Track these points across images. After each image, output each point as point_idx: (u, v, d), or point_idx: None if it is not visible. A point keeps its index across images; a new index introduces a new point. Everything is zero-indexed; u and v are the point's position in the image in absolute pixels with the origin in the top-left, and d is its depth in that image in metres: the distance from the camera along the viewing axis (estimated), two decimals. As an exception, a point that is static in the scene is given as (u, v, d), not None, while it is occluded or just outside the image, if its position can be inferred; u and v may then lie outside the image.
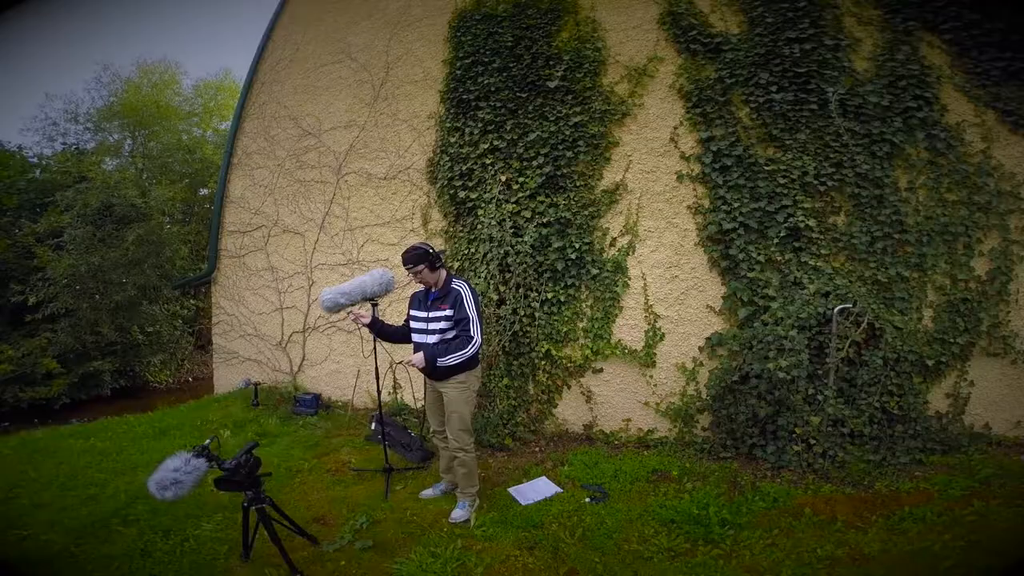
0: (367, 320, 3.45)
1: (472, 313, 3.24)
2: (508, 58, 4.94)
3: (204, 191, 13.85)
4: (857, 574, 2.73)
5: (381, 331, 3.59)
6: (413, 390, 5.54)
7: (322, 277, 6.24)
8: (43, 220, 11.05)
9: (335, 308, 3.62)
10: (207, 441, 2.73)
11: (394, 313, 5.53)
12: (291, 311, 6.56)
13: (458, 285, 3.32)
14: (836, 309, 3.83)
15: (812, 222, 4.14)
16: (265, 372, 6.81)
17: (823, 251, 4.18)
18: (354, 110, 6.05)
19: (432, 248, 3.29)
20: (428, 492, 3.76)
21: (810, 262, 4.15)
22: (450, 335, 3.28)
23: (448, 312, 3.26)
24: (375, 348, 4.11)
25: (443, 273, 3.35)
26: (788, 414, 3.88)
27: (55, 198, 10.76)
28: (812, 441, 3.79)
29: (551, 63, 4.81)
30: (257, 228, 6.89)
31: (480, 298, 3.49)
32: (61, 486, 4.05)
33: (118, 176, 11.67)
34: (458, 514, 3.40)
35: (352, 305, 3.67)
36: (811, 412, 3.82)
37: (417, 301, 3.46)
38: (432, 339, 3.30)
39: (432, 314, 3.33)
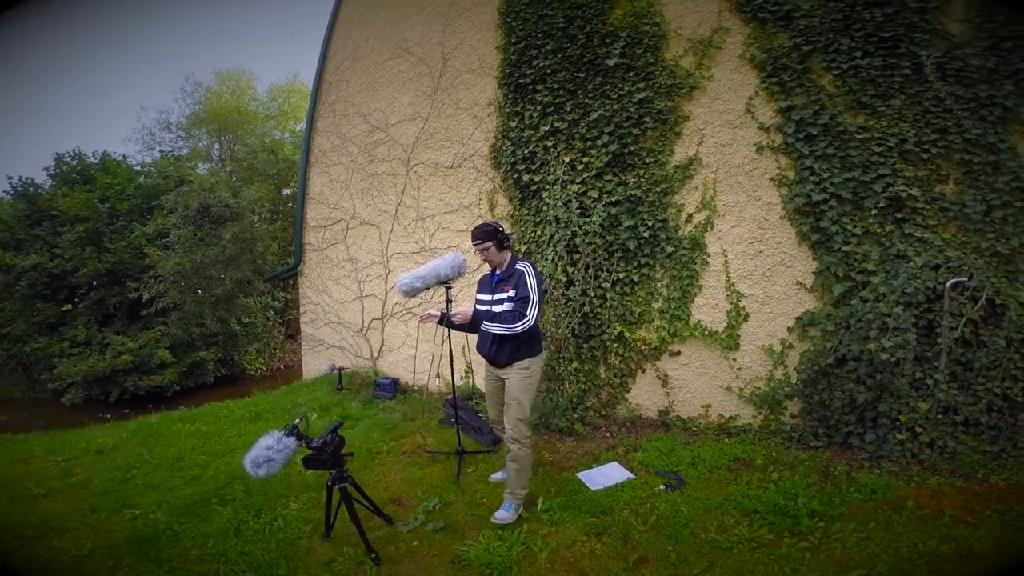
0: (436, 318, 3.36)
1: (533, 293, 3.13)
2: (561, 39, 4.85)
3: (287, 191, 14.75)
4: (963, 572, 2.47)
5: (451, 322, 3.43)
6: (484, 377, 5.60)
7: (398, 265, 6.46)
8: (151, 223, 12.26)
9: (412, 292, 3.72)
10: (296, 420, 2.84)
11: (464, 299, 5.61)
12: (370, 299, 6.85)
13: (522, 266, 3.25)
14: (948, 283, 3.42)
15: (916, 191, 3.73)
16: (348, 358, 7.17)
17: (930, 222, 3.75)
18: (417, 103, 6.18)
19: (502, 227, 3.26)
20: (497, 475, 3.78)
21: (915, 233, 3.73)
22: None
23: (511, 293, 3.20)
24: (449, 334, 4.18)
25: (508, 254, 3.33)
26: (891, 400, 3.53)
27: (160, 201, 11.87)
28: (919, 429, 3.44)
29: (608, 41, 4.65)
30: (336, 222, 7.24)
31: (544, 280, 3.37)
32: (170, 467, 4.36)
33: (213, 179, 12.71)
34: (502, 515, 3.20)
35: (427, 289, 3.75)
36: (918, 398, 3.45)
37: (483, 285, 3.44)
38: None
39: (496, 296, 3.27)
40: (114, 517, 3.52)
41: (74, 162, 13.27)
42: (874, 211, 3.80)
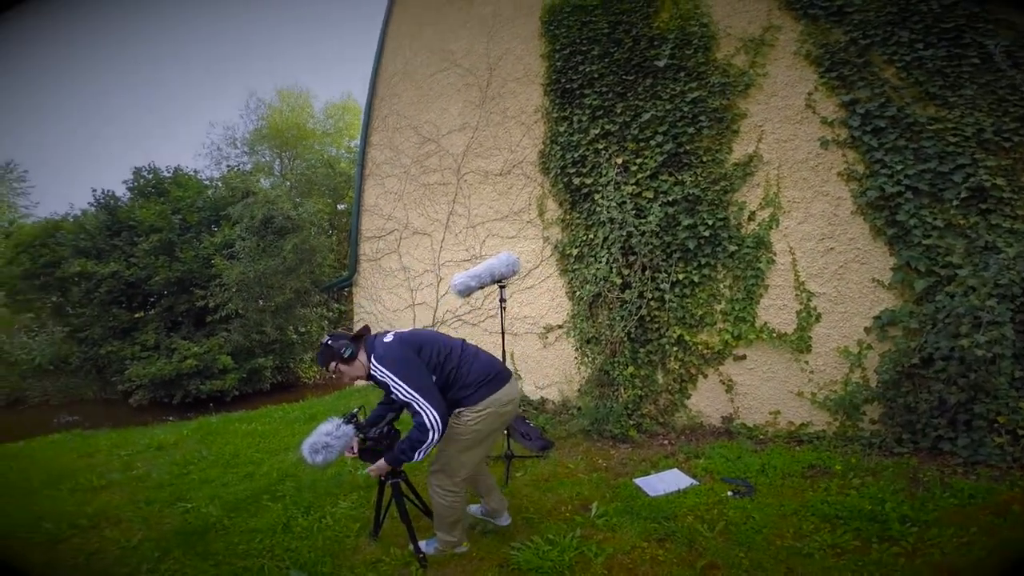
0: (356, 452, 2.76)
1: (406, 392, 2.44)
2: (607, 44, 4.89)
3: (342, 206, 15.29)
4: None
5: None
6: (534, 381, 5.54)
7: (448, 273, 6.52)
8: (219, 233, 12.90)
9: (467, 292, 3.73)
10: (355, 410, 2.78)
11: (514, 303, 5.60)
12: (422, 307, 6.92)
13: (375, 367, 2.54)
14: (1049, 275, 3.13)
15: (1000, 181, 3.48)
16: (398, 365, 7.23)
17: (1020, 211, 3.47)
18: (466, 113, 6.30)
19: (331, 338, 2.65)
20: (473, 508, 3.16)
21: (1003, 224, 3.46)
22: None
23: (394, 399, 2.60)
24: (503, 338, 4.13)
25: (363, 358, 2.64)
26: (987, 401, 3.23)
27: (228, 212, 12.51)
28: (1020, 432, 3.15)
29: (655, 44, 4.65)
30: (390, 232, 7.39)
31: (410, 354, 2.57)
32: (225, 464, 4.43)
33: (275, 192, 13.32)
34: (421, 545, 2.85)
35: (481, 288, 3.73)
36: (1020, 397, 3.16)
37: None
38: None
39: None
40: (167, 510, 3.56)
41: (149, 176, 14.12)
42: (955, 202, 3.57)
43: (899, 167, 3.71)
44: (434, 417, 2.41)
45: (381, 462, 2.62)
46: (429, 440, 2.43)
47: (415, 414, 2.44)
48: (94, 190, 13.83)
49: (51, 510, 3.61)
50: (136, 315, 12.78)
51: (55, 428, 7.28)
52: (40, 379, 13.23)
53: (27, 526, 3.35)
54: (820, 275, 4.07)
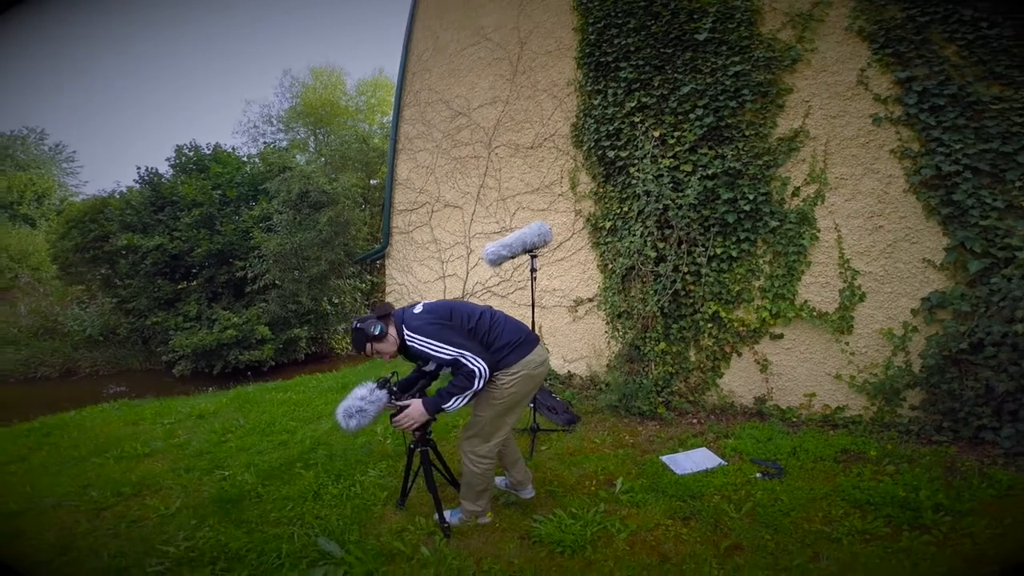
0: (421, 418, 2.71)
1: (449, 351, 2.51)
2: (644, 17, 4.73)
3: (375, 181, 15.44)
4: None
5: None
6: (562, 355, 5.54)
7: (479, 246, 6.54)
8: (257, 207, 13.25)
9: (498, 261, 3.75)
10: (389, 375, 2.80)
11: (543, 276, 5.58)
12: (452, 279, 6.99)
13: (411, 339, 2.59)
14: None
15: (1071, 163, 3.24)
16: (429, 337, 7.34)
17: (1091, 194, 3.25)
18: (497, 87, 6.24)
19: (362, 321, 2.65)
20: (499, 479, 3.24)
21: (1070, 207, 3.24)
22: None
23: (433, 366, 2.75)
24: (533, 310, 4.14)
25: (393, 332, 2.66)
26: (1039, 390, 3.07)
27: (266, 187, 12.82)
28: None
29: (695, 17, 4.48)
30: (422, 205, 7.44)
31: (443, 320, 2.65)
32: (261, 432, 4.50)
33: (311, 167, 13.52)
34: (447, 515, 2.88)
35: (512, 258, 3.74)
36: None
37: None
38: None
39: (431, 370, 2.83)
40: (205, 477, 3.63)
41: (191, 153, 14.59)
42: (1018, 183, 3.36)
43: (958, 146, 3.51)
44: (481, 365, 2.48)
45: (419, 406, 2.63)
46: (474, 388, 2.50)
47: (461, 366, 2.49)
48: (139, 168, 14.26)
49: (97, 478, 3.70)
50: (179, 286, 13.27)
51: (104, 398, 7.64)
52: (90, 350, 13.87)
53: (74, 494, 3.43)
54: (867, 253, 3.91)
